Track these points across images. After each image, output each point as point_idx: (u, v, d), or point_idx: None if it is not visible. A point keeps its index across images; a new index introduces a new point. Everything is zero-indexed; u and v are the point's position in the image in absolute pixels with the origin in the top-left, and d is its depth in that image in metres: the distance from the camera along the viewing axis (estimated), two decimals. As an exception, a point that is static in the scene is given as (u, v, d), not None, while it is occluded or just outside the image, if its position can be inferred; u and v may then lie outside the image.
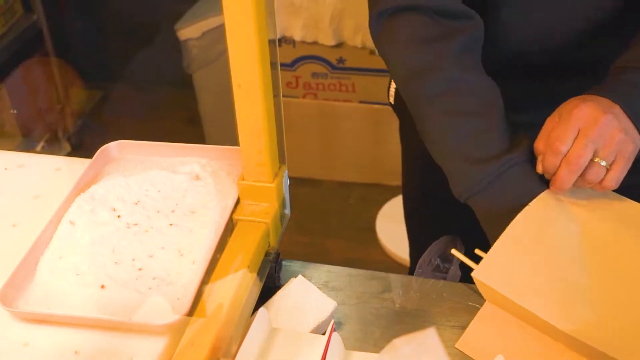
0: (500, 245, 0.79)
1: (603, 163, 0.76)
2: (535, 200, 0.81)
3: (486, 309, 0.79)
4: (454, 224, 1.18)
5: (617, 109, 0.78)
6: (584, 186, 0.79)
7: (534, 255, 0.78)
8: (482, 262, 0.79)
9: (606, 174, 0.77)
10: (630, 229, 0.80)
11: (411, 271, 1.37)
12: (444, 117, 0.86)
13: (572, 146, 0.76)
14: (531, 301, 0.73)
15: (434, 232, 1.23)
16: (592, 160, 0.76)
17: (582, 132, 0.76)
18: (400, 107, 1.15)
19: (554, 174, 0.79)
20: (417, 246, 1.36)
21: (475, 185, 0.84)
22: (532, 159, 0.84)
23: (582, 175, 0.77)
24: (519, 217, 0.80)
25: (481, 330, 0.77)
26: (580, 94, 0.83)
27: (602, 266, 0.77)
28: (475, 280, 0.79)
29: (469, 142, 0.85)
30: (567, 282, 0.75)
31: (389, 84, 1.16)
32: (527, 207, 0.81)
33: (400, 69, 0.90)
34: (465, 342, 0.77)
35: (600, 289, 0.75)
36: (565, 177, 0.77)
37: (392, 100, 1.16)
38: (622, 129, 0.76)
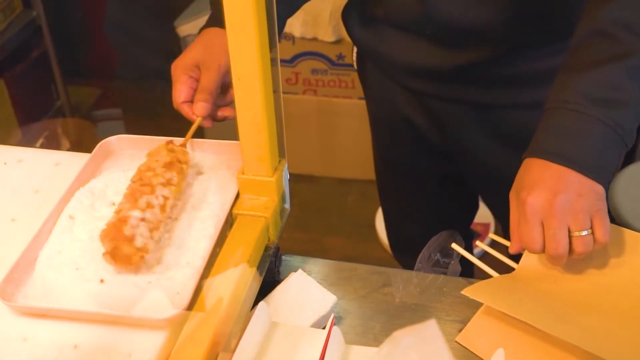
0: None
1: (584, 233, 0.75)
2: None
3: (487, 305, 0.79)
4: (419, 192, 1.20)
5: (563, 175, 0.76)
6: (580, 257, 0.77)
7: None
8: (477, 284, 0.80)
9: (594, 236, 0.76)
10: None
11: (393, 251, 1.39)
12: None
13: (545, 242, 0.76)
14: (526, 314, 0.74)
15: (400, 202, 1.26)
16: (572, 237, 0.75)
17: (545, 224, 0.75)
18: (362, 72, 1.17)
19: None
20: (390, 219, 1.40)
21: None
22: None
23: (572, 251, 0.76)
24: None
25: (482, 324, 0.77)
26: None
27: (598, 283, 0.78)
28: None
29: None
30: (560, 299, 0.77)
31: (352, 48, 1.19)
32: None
33: None
34: (466, 336, 0.77)
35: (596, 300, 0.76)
36: (557, 263, 0.78)
37: (355, 65, 1.20)
38: (578, 194, 0.75)
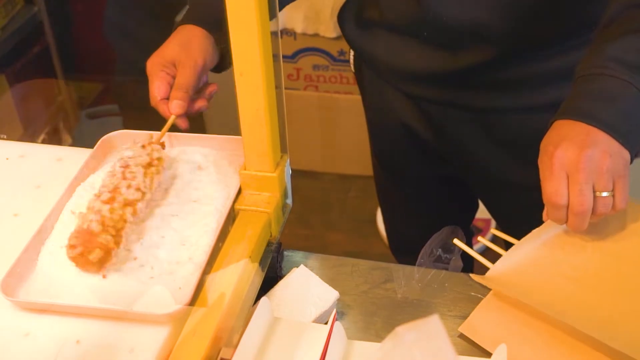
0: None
1: (605, 194, 0.75)
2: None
3: (491, 296, 0.79)
4: (418, 194, 1.20)
5: (592, 133, 0.75)
6: (598, 219, 0.78)
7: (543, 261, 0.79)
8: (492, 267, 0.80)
9: (613, 200, 0.76)
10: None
11: (392, 246, 1.39)
12: None
13: (569, 196, 0.75)
14: (540, 300, 0.73)
15: (400, 204, 1.26)
16: (594, 196, 0.75)
17: (571, 179, 0.74)
18: (359, 76, 1.18)
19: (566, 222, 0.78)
20: (390, 221, 1.40)
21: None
22: None
23: (592, 212, 0.76)
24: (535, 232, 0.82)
25: (486, 315, 0.77)
26: None
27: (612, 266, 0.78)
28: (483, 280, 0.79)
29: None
30: (576, 281, 0.76)
31: (350, 51, 1.18)
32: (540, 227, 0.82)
33: None
34: (469, 326, 0.77)
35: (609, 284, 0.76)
36: (579, 224, 0.76)
37: (353, 68, 1.20)
38: (606, 153, 0.74)
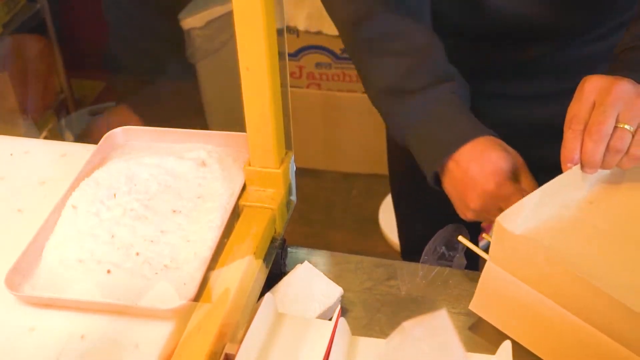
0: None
1: (627, 127, 0.70)
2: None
3: (489, 270, 0.77)
4: (435, 195, 1.18)
5: (631, 80, 0.72)
6: (612, 161, 0.72)
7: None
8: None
9: (632, 140, 0.70)
10: None
11: (403, 252, 1.37)
12: (376, 59, 0.87)
13: (590, 117, 0.71)
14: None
15: (415, 204, 1.23)
16: (615, 126, 0.70)
17: (598, 101, 0.71)
18: None
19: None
20: (403, 222, 1.36)
21: (405, 120, 0.83)
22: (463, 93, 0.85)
23: (607, 144, 0.71)
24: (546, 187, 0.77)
25: (489, 288, 0.77)
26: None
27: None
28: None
29: (399, 78, 0.85)
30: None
31: None
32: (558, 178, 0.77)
33: (340, 15, 0.94)
34: (477, 303, 0.78)
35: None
36: (592, 150, 0.71)
37: None
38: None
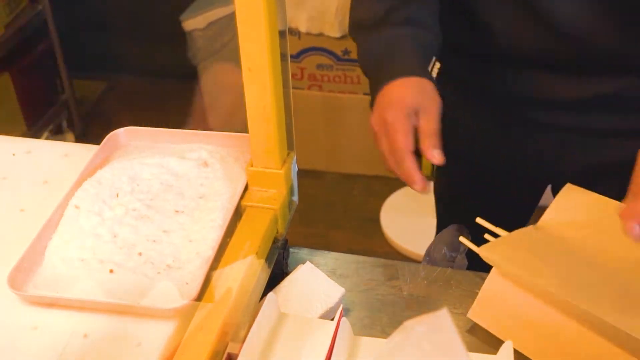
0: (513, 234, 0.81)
1: None
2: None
3: (493, 277, 0.79)
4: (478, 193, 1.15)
5: None
6: None
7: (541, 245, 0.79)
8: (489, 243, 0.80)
9: None
10: None
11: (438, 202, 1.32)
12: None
13: None
14: (544, 279, 0.73)
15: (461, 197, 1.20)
16: None
17: None
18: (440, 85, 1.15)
19: None
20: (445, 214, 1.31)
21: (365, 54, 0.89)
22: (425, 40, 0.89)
23: None
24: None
25: (490, 297, 0.78)
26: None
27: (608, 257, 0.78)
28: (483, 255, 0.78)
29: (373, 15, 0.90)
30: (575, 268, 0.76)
31: (432, 65, 1.13)
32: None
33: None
34: (477, 311, 0.78)
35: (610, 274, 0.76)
36: None
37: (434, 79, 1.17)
38: None
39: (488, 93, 1.02)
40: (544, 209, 0.85)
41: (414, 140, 0.79)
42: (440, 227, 1.32)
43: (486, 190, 1.13)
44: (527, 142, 1.03)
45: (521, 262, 0.76)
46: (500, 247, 0.79)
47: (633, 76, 0.91)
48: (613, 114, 0.95)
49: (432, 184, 1.21)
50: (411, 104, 0.80)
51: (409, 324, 0.47)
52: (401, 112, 0.80)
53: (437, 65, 1.13)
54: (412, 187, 0.79)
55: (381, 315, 0.80)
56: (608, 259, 0.78)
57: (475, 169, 1.11)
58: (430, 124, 0.79)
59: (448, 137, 1.07)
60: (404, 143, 0.78)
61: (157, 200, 0.82)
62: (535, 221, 0.86)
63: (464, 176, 1.14)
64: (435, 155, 0.78)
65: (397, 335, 0.45)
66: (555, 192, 1.13)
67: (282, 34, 0.74)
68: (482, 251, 0.77)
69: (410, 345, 0.44)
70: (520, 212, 1.20)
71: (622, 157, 0.88)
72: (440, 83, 1.09)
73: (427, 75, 0.85)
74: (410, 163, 0.78)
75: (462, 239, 0.87)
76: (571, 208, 0.84)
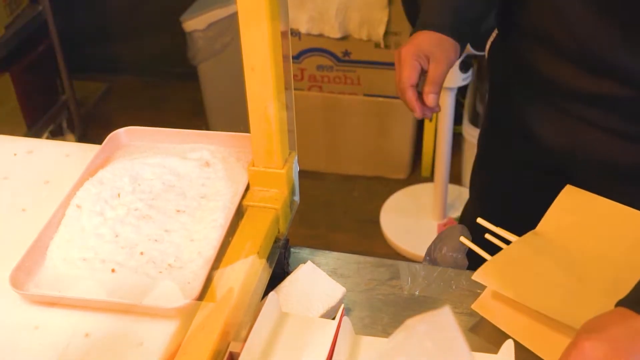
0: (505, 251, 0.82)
1: None
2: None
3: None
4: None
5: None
6: None
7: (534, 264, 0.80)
8: (483, 266, 0.80)
9: None
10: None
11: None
12: None
13: None
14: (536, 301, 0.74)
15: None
16: None
17: None
18: (492, 60, 1.15)
19: None
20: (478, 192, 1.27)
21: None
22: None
23: None
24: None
25: (497, 293, 0.78)
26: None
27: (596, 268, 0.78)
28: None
29: None
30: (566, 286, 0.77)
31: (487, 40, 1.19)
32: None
33: None
34: (482, 303, 0.79)
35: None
36: None
37: (486, 53, 1.20)
38: None
39: (533, 76, 1.01)
40: None
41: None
42: (466, 212, 1.31)
43: (515, 178, 1.14)
44: (560, 132, 1.01)
45: (518, 286, 0.76)
46: (496, 270, 0.79)
47: None
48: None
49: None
50: (424, 50, 0.92)
51: (410, 322, 0.47)
52: (413, 52, 0.91)
53: (491, 39, 1.15)
54: (413, 113, 0.92)
55: (382, 315, 0.81)
56: (608, 264, 0.78)
57: (511, 145, 1.11)
58: (436, 72, 0.91)
59: (494, 105, 1.11)
60: (407, 77, 0.90)
61: (158, 200, 0.83)
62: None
63: (498, 148, 1.16)
64: (431, 100, 0.90)
65: (399, 334, 0.45)
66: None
67: (284, 34, 0.74)
68: (476, 277, 0.78)
69: (413, 344, 0.44)
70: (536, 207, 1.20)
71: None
72: (494, 49, 1.13)
73: (452, 33, 0.94)
74: (410, 94, 0.90)
75: (462, 239, 0.87)
76: (571, 211, 0.84)
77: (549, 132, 1.03)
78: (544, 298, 0.75)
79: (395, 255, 2.04)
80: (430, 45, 0.92)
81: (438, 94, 0.90)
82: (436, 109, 0.91)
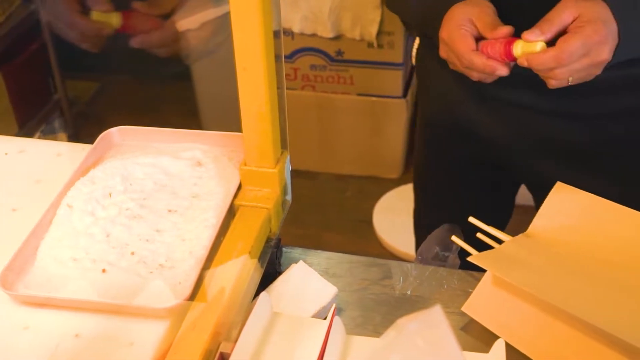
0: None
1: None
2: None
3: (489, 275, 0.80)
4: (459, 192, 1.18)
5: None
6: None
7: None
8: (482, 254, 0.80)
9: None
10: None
11: (418, 244, 1.35)
12: None
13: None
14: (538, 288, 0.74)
15: (437, 199, 1.23)
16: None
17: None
18: (422, 69, 1.17)
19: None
20: (422, 209, 1.34)
21: None
22: None
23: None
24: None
25: (487, 293, 0.78)
26: None
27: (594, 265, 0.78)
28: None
29: None
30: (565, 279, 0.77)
31: (412, 45, 1.18)
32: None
33: None
34: (472, 305, 0.79)
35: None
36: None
37: (413, 60, 1.19)
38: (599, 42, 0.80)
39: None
40: (522, 207, 0.85)
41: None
42: (418, 217, 1.34)
43: (461, 168, 1.18)
44: (495, 117, 1.05)
45: (513, 273, 0.77)
46: (491, 258, 0.79)
47: None
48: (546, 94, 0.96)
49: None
50: (461, 17, 0.87)
51: (402, 321, 0.47)
52: (453, 27, 0.87)
53: (416, 44, 1.15)
54: (498, 75, 0.86)
55: (374, 315, 0.81)
56: (600, 264, 0.78)
57: (452, 137, 1.14)
58: (487, 20, 0.86)
59: (429, 105, 1.09)
60: (465, 46, 0.85)
61: (150, 200, 0.82)
62: (521, 222, 0.86)
63: (440, 143, 1.19)
64: (505, 30, 0.85)
65: (391, 333, 0.45)
66: (520, 177, 1.15)
67: (276, 34, 0.74)
68: (472, 259, 0.78)
69: (404, 343, 0.44)
70: (498, 201, 1.25)
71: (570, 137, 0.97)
72: (420, 55, 1.13)
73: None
74: (479, 59, 0.85)
75: (454, 238, 0.87)
76: (562, 210, 0.84)
77: (485, 123, 1.04)
78: (541, 285, 0.74)
79: (388, 255, 2.04)
80: (462, 10, 0.88)
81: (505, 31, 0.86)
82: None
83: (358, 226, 2.16)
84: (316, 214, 2.20)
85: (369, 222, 2.15)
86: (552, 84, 0.85)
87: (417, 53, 1.17)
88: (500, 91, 1.01)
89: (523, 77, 0.93)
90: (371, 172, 2.33)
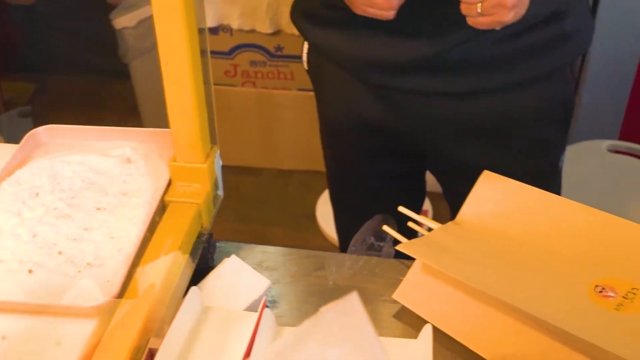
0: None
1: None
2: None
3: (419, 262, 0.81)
4: (371, 190, 1.21)
5: None
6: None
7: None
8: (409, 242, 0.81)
9: None
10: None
11: (342, 247, 1.39)
12: None
13: None
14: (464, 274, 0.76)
15: (353, 200, 1.26)
16: None
17: None
18: (314, 72, 1.18)
19: None
20: (341, 218, 1.38)
21: None
22: None
23: None
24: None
25: (417, 280, 0.80)
26: None
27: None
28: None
29: None
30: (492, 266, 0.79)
31: (302, 47, 1.18)
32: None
33: None
34: (402, 292, 0.80)
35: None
36: None
37: (305, 65, 1.19)
38: None
39: (338, 56, 1.07)
40: (435, 195, 0.86)
41: None
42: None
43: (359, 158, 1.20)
44: (391, 105, 1.07)
45: (441, 260, 0.78)
46: (419, 246, 0.81)
47: (451, 39, 0.95)
48: (434, 77, 0.99)
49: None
50: None
51: (323, 309, 0.48)
52: None
53: (305, 47, 1.16)
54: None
55: (307, 306, 0.81)
56: (527, 250, 0.81)
57: (351, 139, 1.16)
58: None
59: (329, 107, 1.15)
60: None
61: (78, 199, 0.81)
62: (440, 211, 0.88)
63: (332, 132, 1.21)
64: None
65: (309, 321, 0.46)
66: (429, 165, 1.19)
67: (201, 31, 0.74)
68: (401, 247, 0.79)
69: (320, 330, 0.45)
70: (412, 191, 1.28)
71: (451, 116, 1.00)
72: (311, 58, 1.15)
73: None
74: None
75: (385, 227, 0.89)
76: (489, 197, 0.86)
77: (382, 113, 1.07)
78: (468, 271, 0.76)
79: (332, 247, 2.05)
80: None
81: None
82: None
83: (301, 220, 2.16)
84: (260, 210, 2.20)
85: (312, 216, 2.16)
86: (462, 8, 0.85)
87: (308, 57, 1.17)
88: (390, 79, 1.02)
89: (411, 63, 0.96)
90: (314, 167, 2.34)
